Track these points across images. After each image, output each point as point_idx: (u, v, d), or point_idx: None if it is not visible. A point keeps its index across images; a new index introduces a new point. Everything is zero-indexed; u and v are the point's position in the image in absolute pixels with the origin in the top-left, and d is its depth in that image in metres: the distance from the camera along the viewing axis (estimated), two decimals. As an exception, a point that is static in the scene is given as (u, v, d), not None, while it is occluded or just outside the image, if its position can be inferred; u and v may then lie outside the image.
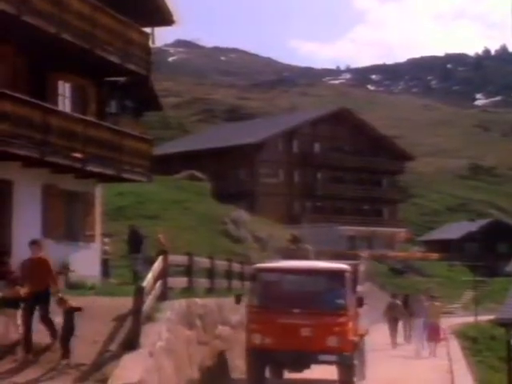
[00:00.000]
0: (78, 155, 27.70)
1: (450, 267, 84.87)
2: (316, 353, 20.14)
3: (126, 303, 18.00)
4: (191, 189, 60.22)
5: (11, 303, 17.47)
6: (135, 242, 30.68)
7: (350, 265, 22.25)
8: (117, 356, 16.67)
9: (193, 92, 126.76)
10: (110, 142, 30.00)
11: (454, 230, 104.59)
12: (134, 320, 17.18)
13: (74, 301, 17.49)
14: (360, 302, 21.75)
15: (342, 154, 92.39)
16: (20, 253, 26.36)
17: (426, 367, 28.69)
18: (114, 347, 17.45)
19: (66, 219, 29.64)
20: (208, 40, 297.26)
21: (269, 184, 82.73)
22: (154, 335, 17.40)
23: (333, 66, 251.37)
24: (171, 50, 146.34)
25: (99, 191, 32.61)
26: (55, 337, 17.08)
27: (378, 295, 42.09)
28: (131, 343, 16.83)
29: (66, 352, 16.53)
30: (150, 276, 18.47)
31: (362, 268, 24.71)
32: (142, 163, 32.64)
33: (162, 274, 19.66)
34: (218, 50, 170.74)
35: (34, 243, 18.25)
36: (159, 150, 62.24)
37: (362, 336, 23.16)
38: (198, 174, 68.54)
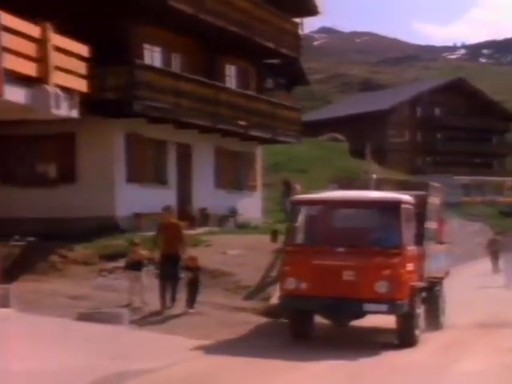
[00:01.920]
0: (242, 123, 28.50)
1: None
2: (361, 301, 13.50)
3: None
4: (332, 148, 60.43)
5: (135, 266, 16.50)
6: (287, 189, 31.13)
7: (414, 196, 15.13)
8: (276, 280, 16.92)
9: (333, 69, 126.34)
10: (267, 111, 30.73)
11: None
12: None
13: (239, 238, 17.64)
14: (419, 240, 14.75)
15: (458, 117, 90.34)
16: (198, 201, 27.50)
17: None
18: (273, 273, 18.02)
19: (234, 173, 30.55)
20: (346, 26, 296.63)
21: (396, 143, 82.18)
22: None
23: (450, 44, 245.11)
24: (316, 36, 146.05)
25: (259, 151, 33.43)
26: (175, 292, 16.07)
27: (488, 234, 41.12)
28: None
29: (190, 302, 15.76)
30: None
31: (434, 201, 16.47)
32: (293, 128, 33.37)
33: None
34: (353, 34, 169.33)
35: (166, 209, 17.34)
36: (306, 117, 62.43)
37: (437, 279, 16.44)
38: (338, 135, 68.73)
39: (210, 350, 12.64)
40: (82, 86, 16.98)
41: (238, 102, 28.79)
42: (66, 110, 16.50)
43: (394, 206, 14.36)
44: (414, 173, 73.60)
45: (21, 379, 9.51)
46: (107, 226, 22.61)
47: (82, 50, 16.86)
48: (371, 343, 14.36)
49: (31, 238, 21.74)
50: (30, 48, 15.30)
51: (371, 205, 14.95)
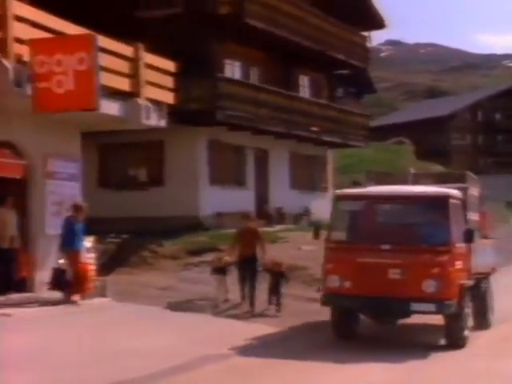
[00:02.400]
0: (315, 129, 28.55)
1: None
2: (408, 301, 11.84)
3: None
4: (398, 151, 59.77)
5: (220, 270, 16.07)
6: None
7: (458, 189, 13.44)
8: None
9: (399, 78, 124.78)
10: (338, 118, 30.75)
11: None
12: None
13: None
14: (469, 236, 12.57)
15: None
16: (275, 201, 27.68)
17: None
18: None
19: (307, 175, 30.63)
20: (410, 38, 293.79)
21: (458, 145, 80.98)
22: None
23: (510, 52, 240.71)
24: (383, 48, 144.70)
25: (330, 154, 33.48)
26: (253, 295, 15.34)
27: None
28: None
29: (277, 303, 15.18)
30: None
31: (473, 192, 14.87)
32: (361, 133, 33.32)
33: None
34: (418, 45, 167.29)
35: (245, 217, 16.53)
36: (374, 123, 62.04)
37: (484, 275, 14.40)
38: (404, 139, 68.05)
39: (274, 340, 12.59)
40: (169, 98, 17.35)
41: (311, 109, 28.90)
42: (155, 120, 16.87)
43: (443, 200, 12.58)
44: (477, 173, 72.50)
45: (123, 356, 9.80)
46: (192, 225, 22.90)
47: (170, 66, 17.22)
48: (418, 343, 12.72)
49: (125, 236, 22.21)
50: (123, 66, 15.72)
51: (418, 200, 13.11)
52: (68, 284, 14.27)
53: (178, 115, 19.62)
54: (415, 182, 15.31)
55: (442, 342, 12.34)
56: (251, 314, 14.98)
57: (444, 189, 13.29)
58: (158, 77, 16.82)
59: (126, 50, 15.79)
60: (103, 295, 15.79)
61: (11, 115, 14.27)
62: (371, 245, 12.41)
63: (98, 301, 15.17)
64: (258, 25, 24.74)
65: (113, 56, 15.11)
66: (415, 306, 11.97)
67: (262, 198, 27.08)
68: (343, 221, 13.46)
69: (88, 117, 15.07)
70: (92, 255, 16.07)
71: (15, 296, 14.44)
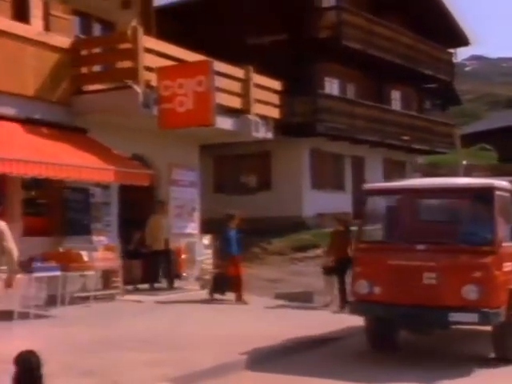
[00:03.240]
0: (405, 138, 28.14)
1: None
2: (445, 310, 8.96)
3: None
4: (482, 156, 58.31)
5: (328, 271, 14.76)
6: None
7: (509, 182, 10.27)
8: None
9: (482, 90, 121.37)
10: (426, 127, 30.19)
11: None
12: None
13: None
14: None
15: None
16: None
17: None
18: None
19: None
20: (493, 53, 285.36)
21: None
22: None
23: None
24: (467, 63, 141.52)
25: (419, 160, 32.98)
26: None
27: None
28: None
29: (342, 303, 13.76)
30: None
31: None
32: (447, 140, 32.54)
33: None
34: (500, 59, 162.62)
35: (336, 219, 15.53)
36: (459, 132, 60.82)
37: None
38: (487, 146, 66.26)
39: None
40: (275, 113, 17.46)
41: (401, 120, 28.52)
42: (263, 133, 17.01)
43: (486, 193, 9.50)
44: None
45: (232, 340, 9.85)
46: (296, 224, 22.92)
47: (276, 85, 17.33)
48: (462, 355, 9.84)
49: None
50: (235, 86, 15.92)
51: (457, 193, 10.21)
52: (227, 287, 14.28)
53: (283, 128, 19.70)
54: (468, 175, 12.73)
55: (492, 354, 9.41)
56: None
57: (490, 180, 10.45)
58: (266, 95, 16.96)
59: (238, 72, 15.99)
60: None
61: (141, 132, 14.67)
62: (405, 245, 9.59)
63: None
64: (354, 46, 24.62)
65: (226, 78, 15.34)
66: (454, 316, 8.96)
67: (358, 201, 26.86)
68: (375, 218, 10.73)
69: (205, 132, 15.35)
70: (209, 251, 16.34)
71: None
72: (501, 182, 9.99)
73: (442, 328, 9.81)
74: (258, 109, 16.51)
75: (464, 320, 9.05)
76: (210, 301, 13.91)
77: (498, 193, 9.56)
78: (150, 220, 15.14)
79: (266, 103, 16.99)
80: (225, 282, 14.23)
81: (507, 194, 9.98)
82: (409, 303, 9.10)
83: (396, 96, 30.77)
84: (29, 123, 13.02)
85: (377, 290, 9.42)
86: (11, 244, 8.25)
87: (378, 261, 9.58)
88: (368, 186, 10.89)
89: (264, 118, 16.89)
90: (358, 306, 9.78)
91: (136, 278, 15.25)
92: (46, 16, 14.95)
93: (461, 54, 40.94)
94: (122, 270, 13.85)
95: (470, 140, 69.34)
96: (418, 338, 10.54)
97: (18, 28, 13.25)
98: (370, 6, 26.78)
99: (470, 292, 8.87)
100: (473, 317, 8.85)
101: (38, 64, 13.44)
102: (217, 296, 14.16)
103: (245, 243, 21.23)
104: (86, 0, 16.01)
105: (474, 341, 10.50)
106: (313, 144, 24.66)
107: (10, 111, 12.84)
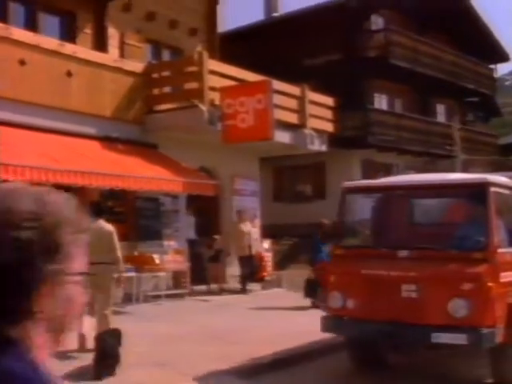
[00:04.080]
0: (448, 147, 27.58)
1: None
2: (428, 328, 6.63)
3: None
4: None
5: None
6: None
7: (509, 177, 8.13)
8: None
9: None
10: (469, 138, 29.53)
11: None
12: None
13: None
14: None
15: None
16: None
17: None
18: None
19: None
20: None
21: None
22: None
23: None
24: (507, 77, 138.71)
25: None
26: None
27: None
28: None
29: None
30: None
31: None
32: (489, 150, 31.81)
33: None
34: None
35: None
36: (500, 141, 59.46)
37: None
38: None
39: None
40: (329, 127, 17.34)
41: (446, 132, 27.97)
42: (318, 145, 16.90)
43: (479, 190, 7.14)
44: None
45: (297, 336, 9.66)
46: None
47: (329, 101, 17.22)
48: (456, 379, 7.67)
49: (295, 239, 22.36)
50: (292, 103, 15.87)
51: (446, 190, 7.83)
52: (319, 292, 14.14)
53: (337, 141, 19.52)
54: (465, 170, 10.12)
55: (489, 379, 7.20)
56: None
57: (484, 175, 8.05)
58: (320, 110, 16.86)
59: (295, 90, 15.94)
60: (279, 286, 15.95)
61: (206, 146, 14.74)
62: (385, 251, 7.47)
63: (274, 290, 15.36)
64: (401, 64, 24.30)
65: (284, 95, 15.30)
66: (438, 337, 6.59)
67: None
68: (354, 220, 8.81)
69: (265, 145, 15.32)
70: (269, 254, 16.30)
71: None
72: (498, 178, 7.79)
73: (426, 348, 7.61)
74: (313, 123, 16.43)
75: (450, 341, 6.62)
76: (308, 308, 12.89)
77: (493, 189, 7.20)
78: (233, 228, 15.14)
79: (321, 118, 16.89)
80: (316, 287, 13.99)
81: (506, 192, 7.58)
82: (385, 319, 6.92)
83: (440, 109, 30.26)
84: (106, 140, 13.23)
85: (350, 303, 7.34)
86: (118, 246, 8.54)
87: (352, 269, 7.46)
88: (346, 183, 8.42)
89: (319, 131, 16.79)
90: (329, 321, 7.51)
91: (214, 279, 15.25)
92: (122, 45, 15.24)
93: (501, 70, 40.07)
94: (207, 272, 13.98)
95: (508, 150, 67.70)
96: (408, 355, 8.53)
97: (97, 56, 13.51)
98: (416, 26, 26.45)
99: (458, 308, 6.61)
100: (461, 338, 6.52)
101: (115, 87, 13.66)
102: (311, 301, 13.36)
103: (301, 246, 21.37)
104: (156, 29, 16.28)
105: (472, 359, 7.90)
106: (364, 155, 24.41)
107: (90, 130, 13.08)
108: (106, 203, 12.13)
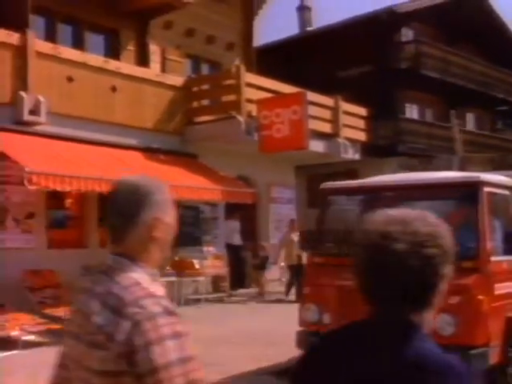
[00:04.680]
0: (476, 155, 27.21)
1: None
2: None
3: None
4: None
5: None
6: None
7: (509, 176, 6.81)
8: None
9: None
10: (499, 146, 29.09)
11: None
12: None
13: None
14: None
15: None
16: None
17: None
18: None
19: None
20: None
21: None
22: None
23: None
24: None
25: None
26: None
27: None
28: None
29: None
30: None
31: None
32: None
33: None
34: None
35: None
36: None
37: None
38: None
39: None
40: (362, 136, 17.26)
41: (475, 140, 27.57)
42: (351, 154, 16.83)
43: (471, 190, 6.08)
44: None
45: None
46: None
47: (362, 111, 17.14)
48: None
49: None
50: (326, 113, 15.84)
51: (433, 190, 6.57)
52: None
53: (369, 149, 19.40)
54: (462, 169, 9.24)
55: None
56: None
57: (478, 173, 6.75)
58: (353, 120, 16.80)
59: (328, 101, 15.91)
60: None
61: (243, 156, 14.79)
62: None
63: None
64: (432, 74, 24.07)
65: (318, 106, 15.29)
66: None
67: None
68: (333, 225, 7.69)
69: (300, 154, 15.30)
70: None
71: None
72: (494, 176, 6.66)
73: None
74: (346, 133, 16.37)
75: None
76: None
77: (487, 190, 6.11)
78: (284, 237, 15.01)
79: (354, 128, 16.83)
80: None
81: (504, 192, 6.41)
82: None
83: (470, 118, 29.86)
84: (148, 151, 13.36)
85: (326, 317, 6.36)
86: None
87: (329, 280, 6.42)
88: (325, 184, 7.51)
89: (352, 140, 16.72)
90: (303, 337, 6.50)
91: (255, 284, 15.23)
92: (163, 60, 15.43)
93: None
94: (249, 277, 13.94)
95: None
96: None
97: (139, 71, 13.68)
98: (445, 38, 26.21)
99: (444, 324, 5.55)
100: None
101: (156, 101, 13.80)
102: None
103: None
104: (195, 45, 16.45)
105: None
106: (395, 163, 24.22)
107: (133, 142, 13.23)
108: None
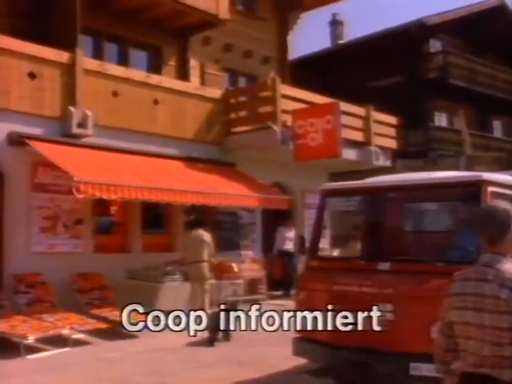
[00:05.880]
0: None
1: None
2: (404, 356, 4.64)
3: None
4: None
5: None
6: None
7: None
8: None
9: None
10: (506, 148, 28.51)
11: None
12: None
13: None
14: None
15: None
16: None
17: None
18: None
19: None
20: None
21: None
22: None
23: None
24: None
25: None
26: None
27: None
28: None
29: None
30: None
31: None
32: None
33: None
34: None
35: None
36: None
37: None
38: None
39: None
40: (393, 144, 17.00)
41: (504, 146, 27.00)
42: (382, 161, 16.58)
43: (473, 190, 5.33)
44: None
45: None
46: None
47: (393, 120, 16.90)
48: None
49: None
50: (358, 123, 15.66)
51: (433, 191, 5.94)
52: None
53: (400, 156, 19.16)
54: (469, 168, 8.19)
55: None
56: None
57: (482, 173, 5.96)
58: (384, 129, 16.56)
59: (360, 111, 15.73)
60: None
61: (279, 164, 14.69)
62: (364, 263, 5.81)
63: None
64: (459, 84, 23.69)
65: (350, 116, 15.12)
66: (417, 368, 4.81)
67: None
68: (332, 227, 7.31)
69: (333, 162, 15.11)
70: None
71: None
72: (499, 176, 5.92)
73: (405, 381, 5.12)
74: (377, 141, 16.15)
75: (431, 374, 3.89)
76: None
77: (491, 190, 5.38)
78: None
79: (385, 136, 16.59)
80: None
81: (509, 192, 5.55)
82: (358, 346, 5.21)
83: (497, 125, 29.25)
84: (189, 161, 13.37)
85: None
86: (213, 248, 11.00)
87: (323, 285, 5.79)
88: (324, 185, 6.77)
89: (383, 148, 16.49)
90: (298, 344, 5.99)
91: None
92: (202, 74, 15.48)
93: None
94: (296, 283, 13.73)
95: None
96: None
97: (180, 85, 13.73)
98: (472, 48, 25.77)
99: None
100: None
101: (196, 112, 13.82)
102: None
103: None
104: (233, 59, 16.48)
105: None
106: (425, 169, 23.86)
107: (173, 152, 13.25)
108: (203, 217, 12.37)
